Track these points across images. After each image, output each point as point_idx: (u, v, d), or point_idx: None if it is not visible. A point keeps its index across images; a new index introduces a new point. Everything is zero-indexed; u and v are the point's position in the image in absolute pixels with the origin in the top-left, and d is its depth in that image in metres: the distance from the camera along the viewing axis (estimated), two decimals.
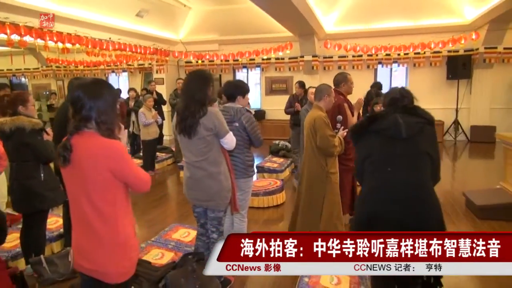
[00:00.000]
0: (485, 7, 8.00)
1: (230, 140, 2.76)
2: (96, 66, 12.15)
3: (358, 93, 6.64)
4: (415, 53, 9.81)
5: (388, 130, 2.01)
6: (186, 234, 3.69)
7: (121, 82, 12.87)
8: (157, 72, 11.35)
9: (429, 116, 2.11)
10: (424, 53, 9.76)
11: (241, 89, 3.15)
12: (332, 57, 10.62)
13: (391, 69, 10.60)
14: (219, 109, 3.01)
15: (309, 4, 7.46)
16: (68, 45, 7.46)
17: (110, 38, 8.69)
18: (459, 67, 9.41)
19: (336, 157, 3.50)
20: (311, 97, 5.57)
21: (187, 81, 2.82)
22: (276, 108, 10.38)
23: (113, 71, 12.55)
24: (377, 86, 6.91)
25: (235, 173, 3.13)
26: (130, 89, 8.55)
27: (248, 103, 4.39)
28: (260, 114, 11.01)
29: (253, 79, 11.86)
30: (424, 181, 1.97)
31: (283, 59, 10.95)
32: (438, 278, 2.88)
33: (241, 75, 12.01)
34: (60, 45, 7.20)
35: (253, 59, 11.15)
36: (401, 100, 2.13)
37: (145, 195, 5.59)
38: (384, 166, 1.99)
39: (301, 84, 6.80)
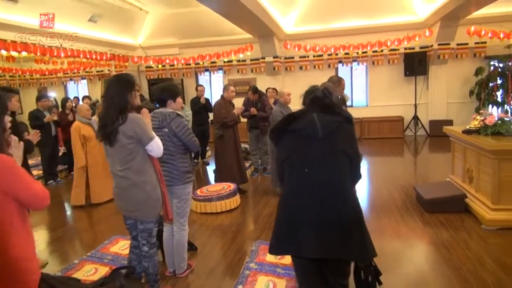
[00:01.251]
0: (436, 4, 8.22)
1: (155, 147, 2.62)
2: (53, 74, 11.72)
3: None
4: (373, 51, 9.97)
5: (305, 129, 1.98)
6: (126, 247, 3.53)
7: (80, 90, 12.46)
8: None
9: (347, 115, 2.09)
10: (382, 51, 9.94)
11: (170, 92, 3.03)
12: (293, 58, 10.65)
13: (351, 67, 10.73)
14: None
15: (263, 6, 7.44)
16: (14, 53, 7.13)
17: (61, 45, 8.39)
18: (415, 64, 9.63)
19: None
20: (286, 99, 5.51)
21: (108, 86, 2.65)
22: None
23: (71, 79, 12.13)
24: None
25: (170, 181, 3.02)
26: (84, 97, 8.27)
27: (182, 107, 4.30)
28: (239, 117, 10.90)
29: (216, 82, 11.74)
30: (342, 180, 1.94)
31: (244, 61, 10.91)
32: (377, 276, 2.88)
33: (203, 78, 11.89)
34: (4, 52, 6.86)
35: (215, 62, 11.04)
36: (323, 99, 2.09)
37: (93, 208, 5.40)
38: (301, 167, 1.96)
39: (254, 90, 6.75)
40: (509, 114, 8.49)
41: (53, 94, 12.17)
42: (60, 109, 7.28)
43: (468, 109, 9.55)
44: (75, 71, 11.32)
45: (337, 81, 4.17)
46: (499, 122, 4.09)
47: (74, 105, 7.72)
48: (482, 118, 4.28)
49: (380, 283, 2.86)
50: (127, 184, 2.62)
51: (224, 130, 5.55)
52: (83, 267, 3.15)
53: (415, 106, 9.99)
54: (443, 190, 4.56)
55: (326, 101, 2.08)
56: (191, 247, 3.75)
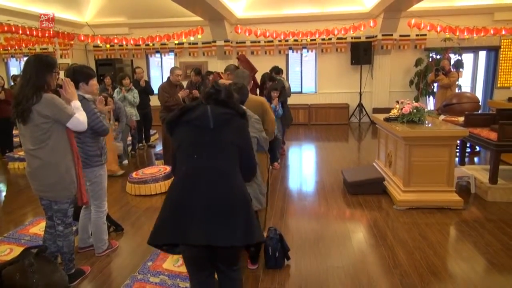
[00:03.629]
0: None
1: (76, 123, 2.63)
2: None
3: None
4: (321, 39, 10.21)
5: (197, 120, 2.01)
6: None
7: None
8: (61, 57, 10.59)
9: (240, 109, 2.13)
10: (330, 39, 10.20)
11: (83, 74, 3.01)
12: (245, 42, 10.69)
13: (301, 54, 10.94)
14: None
15: None
16: None
17: None
18: (361, 53, 9.99)
19: None
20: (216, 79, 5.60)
21: (26, 65, 2.63)
22: None
23: (12, 56, 11.49)
24: (274, 70, 7.08)
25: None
26: (17, 76, 7.87)
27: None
28: (189, 100, 10.80)
29: (167, 64, 11.57)
30: (229, 168, 1.98)
31: (196, 43, 10.81)
32: (285, 252, 3.09)
33: (154, 60, 11.68)
34: None
35: (165, 44, 10.87)
36: (216, 94, 2.09)
37: (16, 190, 5.31)
38: (192, 154, 1.99)
39: (197, 72, 6.76)
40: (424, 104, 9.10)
41: None
42: None
43: (409, 98, 9.93)
44: (16, 48, 10.70)
45: (234, 70, 4.53)
46: (414, 111, 4.42)
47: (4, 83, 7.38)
48: (401, 107, 4.61)
49: (288, 258, 3.11)
50: (39, 164, 2.63)
51: (168, 113, 5.59)
52: None
53: (360, 94, 10.41)
54: (365, 173, 4.89)
55: (219, 96, 2.09)
56: (117, 228, 3.81)
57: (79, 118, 2.65)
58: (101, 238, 3.28)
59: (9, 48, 10.79)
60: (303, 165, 6.68)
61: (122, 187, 5.24)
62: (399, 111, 4.58)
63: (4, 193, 5.35)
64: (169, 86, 5.68)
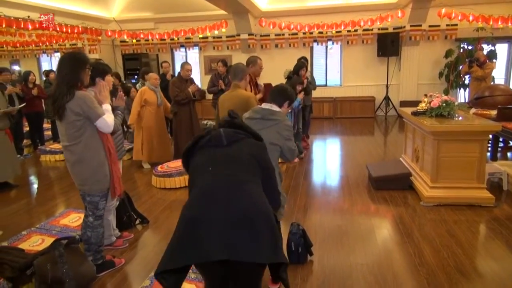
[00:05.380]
0: None
1: (103, 125, 2.73)
2: (24, 47, 11.44)
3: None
4: (347, 31, 10.00)
5: (210, 141, 1.92)
6: (77, 219, 3.66)
7: (54, 63, 12.24)
8: (90, 52, 10.88)
9: (255, 134, 2.04)
10: (356, 30, 9.97)
11: (98, 70, 3.02)
12: (269, 35, 10.61)
13: (326, 46, 10.77)
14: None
15: None
16: None
17: (29, 17, 8.20)
18: (388, 45, 9.72)
19: None
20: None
21: (60, 63, 2.74)
22: None
23: (44, 52, 11.89)
24: (296, 68, 6.93)
25: None
26: (50, 71, 8.14)
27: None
28: (200, 94, 10.90)
29: (192, 58, 11.66)
30: (249, 178, 1.81)
31: (220, 37, 10.83)
32: (308, 248, 3.07)
33: (179, 54, 11.79)
34: None
35: (190, 38, 10.94)
36: (231, 120, 2.04)
37: (47, 183, 5.52)
38: (207, 168, 1.84)
39: (224, 63, 6.78)
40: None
41: (17, 68, 11.96)
42: (22, 83, 7.15)
43: (438, 91, 9.61)
44: (47, 44, 11.06)
45: (255, 62, 4.58)
46: (443, 104, 4.27)
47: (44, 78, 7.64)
48: (429, 100, 4.46)
49: (311, 254, 3.09)
50: (74, 159, 2.75)
51: (178, 108, 5.70)
52: (30, 238, 3.27)
53: (387, 86, 10.16)
54: (391, 168, 4.78)
55: (235, 122, 2.03)
56: (143, 220, 3.90)
57: (107, 120, 2.74)
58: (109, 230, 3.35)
59: (40, 44, 11.18)
60: (327, 160, 6.61)
61: (148, 180, 5.34)
62: (428, 104, 4.44)
63: (36, 185, 5.57)
64: (180, 81, 5.78)
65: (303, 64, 6.22)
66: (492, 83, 8.03)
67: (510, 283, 2.69)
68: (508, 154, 6.22)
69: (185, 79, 5.80)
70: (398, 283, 2.71)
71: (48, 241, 3.20)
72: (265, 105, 2.64)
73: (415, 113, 4.55)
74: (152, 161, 5.96)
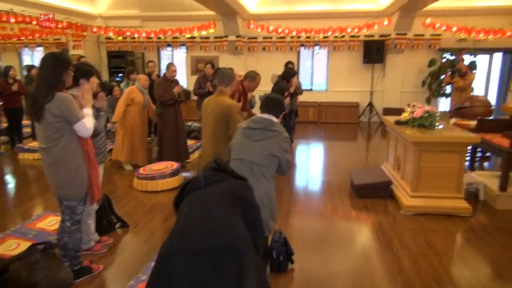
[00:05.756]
0: None
1: (82, 129, 2.66)
2: (5, 40, 11.13)
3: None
4: (334, 37, 10.11)
5: (191, 188, 1.87)
6: (54, 222, 3.58)
7: (36, 58, 11.97)
8: (74, 48, 10.70)
9: (238, 176, 1.99)
10: (343, 37, 10.09)
11: (83, 71, 2.96)
12: (257, 38, 10.64)
13: (313, 51, 10.85)
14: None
15: None
16: None
17: (11, 10, 8.02)
18: (373, 52, 9.87)
19: None
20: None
21: (42, 63, 2.67)
22: None
23: (26, 46, 11.61)
24: (284, 74, 6.87)
25: None
26: (32, 67, 7.94)
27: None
28: (185, 95, 10.81)
29: (178, 58, 11.58)
30: (218, 212, 1.73)
31: (208, 38, 10.79)
32: (289, 256, 3.09)
33: (165, 53, 11.69)
34: None
35: (177, 38, 10.86)
36: (216, 167, 1.97)
37: (25, 182, 5.39)
38: (182, 209, 1.81)
39: (212, 65, 6.76)
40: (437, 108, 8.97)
41: None
42: (2, 78, 6.96)
43: (420, 99, 9.91)
44: (30, 37, 10.80)
45: (254, 77, 4.59)
46: (426, 115, 4.35)
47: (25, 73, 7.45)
48: (412, 110, 4.54)
49: (292, 262, 3.10)
50: (50, 161, 2.70)
51: (163, 109, 5.67)
52: (5, 241, 3.18)
53: (371, 93, 10.31)
54: (372, 176, 4.84)
55: (219, 167, 1.97)
56: (123, 224, 3.85)
57: (86, 124, 2.68)
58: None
59: (23, 38, 10.91)
60: (310, 165, 6.65)
61: (129, 182, 5.27)
62: (410, 114, 4.52)
63: (13, 185, 5.43)
64: (165, 82, 5.75)
65: (295, 72, 6.24)
66: (472, 93, 8.24)
67: None
68: (485, 163, 6.38)
69: (170, 80, 5.76)
70: None
71: (24, 245, 3.11)
72: (264, 115, 2.59)
73: (398, 122, 4.63)
74: (131, 163, 5.91)
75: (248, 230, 1.75)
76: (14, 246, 3.11)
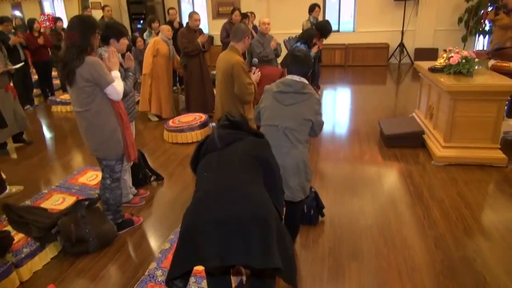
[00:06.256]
0: None
1: (112, 92, 2.69)
2: None
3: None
4: None
5: (207, 147, 1.87)
6: (94, 177, 3.75)
7: (57, 8, 11.81)
8: None
9: (255, 131, 1.96)
10: None
11: (114, 31, 2.97)
12: None
13: None
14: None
15: None
16: None
17: None
18: None
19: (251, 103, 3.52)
20: (263, 28, 5.35)
21: (70, 26, 2.66)
22: None
23: None
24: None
25: None
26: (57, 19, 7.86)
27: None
28: (209, 43, 10.59)
29: (199, 1, 11.15)
30: (247, 181, 1.74)
31: None
32: (320, 209, 3.16)
33: None
34: None
35: None
36: (229, 123, 1.92)
37: (61, 135, 5.60)
38: (203, 175, 1.82)
39: (240, 12, 6.54)
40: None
41: (18, 14, 11.57)
42: (27, 31, 6.95)
43: (455, 38, 9.37)
44: None
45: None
46: (463, 61, 4.11)
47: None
48: (448, 56, 4.29)
49: (323, 215, 3.18)
50: (86, 125, 2.77)
51: (188, 60, 5.60)
52: (51, 196, 3.38)
53: (402, 33, 9.73)
54: (403, 126, 4.74)
55: (232, 123, 1.92)
56: (158, 177, 4.00)
57: (116, 87, 2.69)
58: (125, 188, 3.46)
59: None
60: (337, 113, 6.54)
61: (159, 134, 5.39)
62: (446, 60, 4.27)
63: (51, 138, 5.66)
64: (188, 32, 5.61)
65: (313, 32, 5.61)
66: None
67: None
68: None
69: (194, 30, 5.61)
70: (406, 245, 2.82)
71: (69, 199, 3.32)
72: (294, 77, 2.43)
73: (432, 69, 4.40)
74: (157, 114, 6.00)
75: (269, 192, 1.77)
76: (60, 201, 3.31)
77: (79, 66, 2.56)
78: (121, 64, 3.01)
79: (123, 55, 3.08)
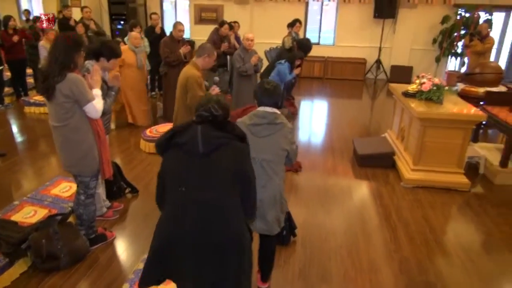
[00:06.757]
0: None
1: (91, 110, 2.68)
2: None
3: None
4: None
5: (186, 144, 1.76)
6: (67, 189, 3.69)
7: (34, 3, 11.50)
8: None
9: (240, 132, 1.88)
10: None
11: (108, 51, 3.00)
12: None
13: (322, 3, 10.39)
14: None
15: None
16: None
17: None
18: (385, 6, 9.45)
19: None
20: (246, 43, 5.37)
21: (55, 43, 2.66)
22: (206, 38, 9.98)
23: None
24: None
25: None
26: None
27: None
28: (191, 55, 10.56)
29: (181, 6, 11.12)
30: (223, 201, 1.76)
31: None
32: (292, 230, 3.24)
33: (168, 1, 11.19)
34: None
35: None
36: (208, 117, 1.83)
37: (34, 138, 5.48)
38: (178, 186, 1.77)
39: (231, 26, 6.65)
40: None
41: None
42: (2, 28, 6.76)
43: (430, 57, 9.77)
44: None
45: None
46: (434, 88, 4.32)
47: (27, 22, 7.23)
48: (420, 82, 4.49)
49: (295, 235, 3.27)
50: (62, 140, 2.75)
51: (168, 69, 5.61)
52: (22, 208, 3.31)
53: (379, 49, 10.03)
54: (376, 146, 4.92)
55: (218, 119, 1.85)
56: (133, 190, 3.99)
57: (96, 106, 2.70)
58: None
59: None
60: (313, 126, 6.67)
61: (135, 143, 5.35)
62: (419, 86, 4.47)
63: (22, 141, 5.52)
64: (171, 41, 5.63)
65: (300, 55, 5.61)
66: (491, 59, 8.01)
67: (474, 271, 2.95)
68: (489, 131, 6.40)
69: (177, 40, 5.61)
70: (373, 268, 2.94)
71: (41, 212, 3.27)
72: (267, 109, 2.41)
73: (405, 94, 4.60)
74: (132, 123, 6.02)
75: (242, 204, 1.83)
76: (32, 214, 3.25)
77: (59, 82, 2.55)
78: (105, 82, 3.02)
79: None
